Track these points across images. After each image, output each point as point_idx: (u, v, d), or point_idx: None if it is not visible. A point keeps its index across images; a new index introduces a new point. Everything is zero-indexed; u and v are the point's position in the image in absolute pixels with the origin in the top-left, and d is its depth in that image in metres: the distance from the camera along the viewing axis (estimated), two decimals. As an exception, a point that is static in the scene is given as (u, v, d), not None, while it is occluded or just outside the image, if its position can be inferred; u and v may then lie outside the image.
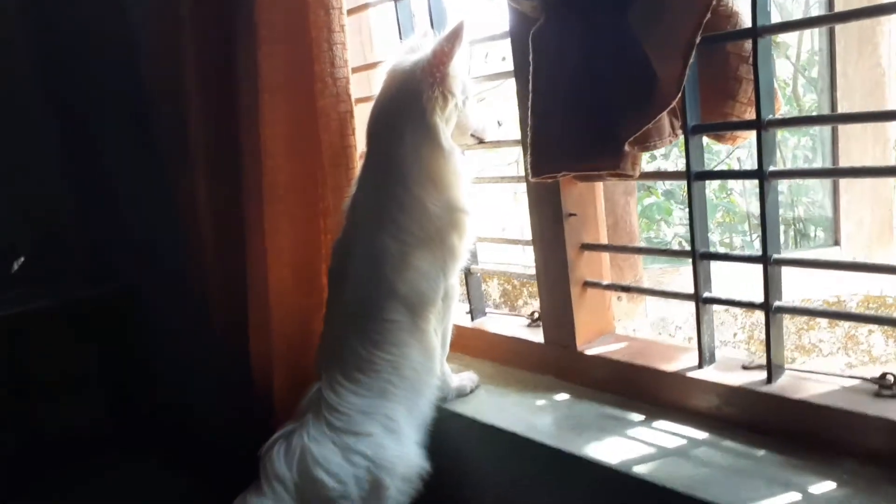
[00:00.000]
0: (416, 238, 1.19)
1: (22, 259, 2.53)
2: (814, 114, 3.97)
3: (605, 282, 1.29)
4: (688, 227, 1.36)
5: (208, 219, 1.82)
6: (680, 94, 0.93)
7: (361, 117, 1.61)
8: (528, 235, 1.34)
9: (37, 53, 2.25)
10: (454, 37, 1.17)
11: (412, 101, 1.20)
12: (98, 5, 2.01)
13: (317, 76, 1.45)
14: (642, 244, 3.32)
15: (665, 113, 0.97)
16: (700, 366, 1.13)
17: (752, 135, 1.04)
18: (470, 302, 1.53)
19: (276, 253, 1.54)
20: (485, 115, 1.35)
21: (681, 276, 1.94)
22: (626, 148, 1.01)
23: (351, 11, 1.55)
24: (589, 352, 1.27)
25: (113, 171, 2.24)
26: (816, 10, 3.79)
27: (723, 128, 1.07)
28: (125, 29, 2.00)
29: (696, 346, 1.15)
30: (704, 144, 1.11)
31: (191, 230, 1.91)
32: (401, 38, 1.48)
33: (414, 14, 1.51)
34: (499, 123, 1.34)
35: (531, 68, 1.10)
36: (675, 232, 4.35)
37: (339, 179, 1.47)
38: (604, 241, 1.30)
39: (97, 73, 2.17)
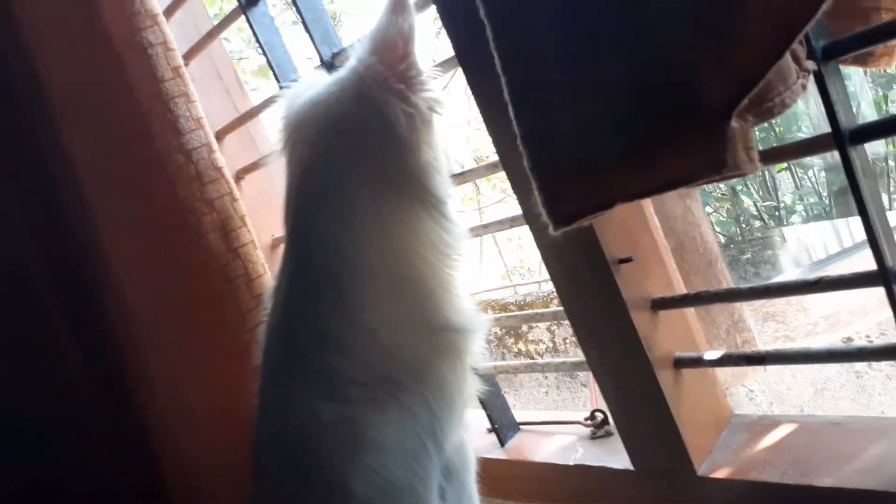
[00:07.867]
0: (368, 389, 0.67)
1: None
2: None
3: (710, 353, 0.76)
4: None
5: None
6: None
7: (254, 196, 1.11)
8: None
9: None
10: (400, 6, 0.67)
11: (368, 131, 0.70)
12: None
13: (163, 158, 0.93)
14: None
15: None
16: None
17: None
18: (491, 419, 1.00)
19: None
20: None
21: (804, 302, 1.35)
22: (734, 123, 0.50)
23: (193, 52, 1.04)
24: (717, 473, 0.75)
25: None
26: None
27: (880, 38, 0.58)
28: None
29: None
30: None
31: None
32: (271, 66, 0.96)
33: (276, 24, 1.00)
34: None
35: (485, 15, 0.59)
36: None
37: (241, 300, 0.95)
38: (680, 286, 0.79)
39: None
